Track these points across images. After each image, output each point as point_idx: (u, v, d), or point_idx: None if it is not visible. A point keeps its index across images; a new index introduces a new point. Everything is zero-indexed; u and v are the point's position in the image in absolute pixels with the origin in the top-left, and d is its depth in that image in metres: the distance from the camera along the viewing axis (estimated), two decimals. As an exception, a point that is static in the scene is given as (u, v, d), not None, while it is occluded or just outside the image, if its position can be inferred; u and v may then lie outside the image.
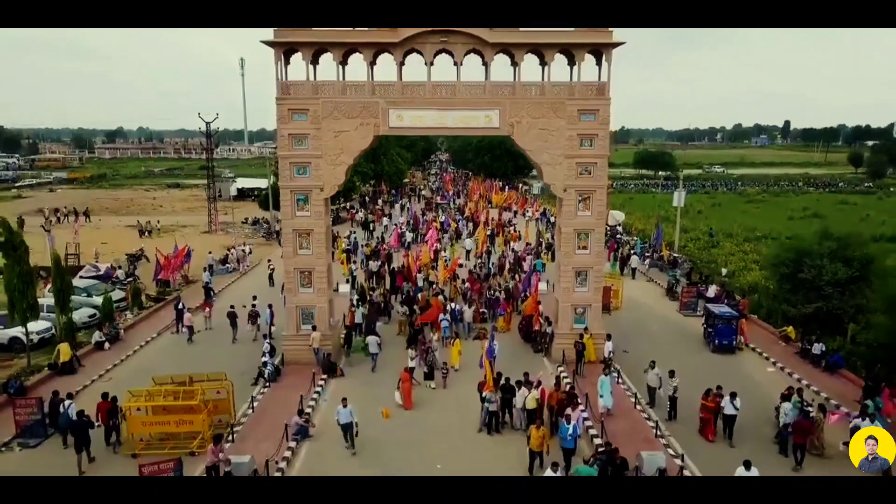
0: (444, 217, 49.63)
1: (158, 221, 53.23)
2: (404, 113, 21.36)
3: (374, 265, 33.69)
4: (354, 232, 45.79)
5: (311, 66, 21.35)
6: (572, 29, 21.22)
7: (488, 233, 42.36)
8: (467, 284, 29.18)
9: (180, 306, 26.50)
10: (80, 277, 32.88)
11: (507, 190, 72.48)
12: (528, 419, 17.38)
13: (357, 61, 22.02)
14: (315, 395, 19.95)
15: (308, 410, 18.57)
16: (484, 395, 17.68)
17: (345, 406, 16.57)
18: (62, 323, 24.28)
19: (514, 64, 21.51)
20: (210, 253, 37.95)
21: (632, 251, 38.21)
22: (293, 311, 22.71)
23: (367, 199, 65.24)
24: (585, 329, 22.42)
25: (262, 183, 73.95)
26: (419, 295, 27.98)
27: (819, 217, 61.51)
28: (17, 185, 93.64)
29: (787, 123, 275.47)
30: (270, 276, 33.86)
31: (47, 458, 16.41)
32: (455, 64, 21.44)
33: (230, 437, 17.12)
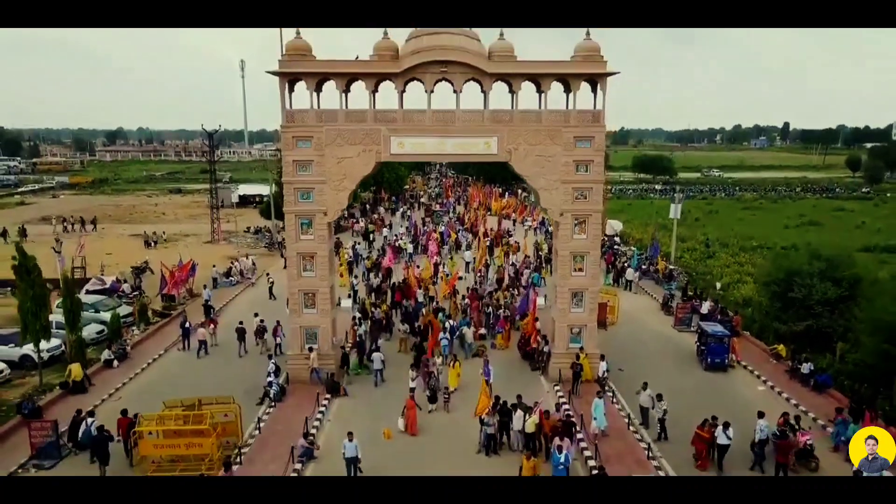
0: (443, 227, 50.19)
1: (164, 233, 53.80)
2: (405, 140, 22.01)
3: (374, 280, 34.35)
4: (359, 242, 46.47)
5: (314, 94, 22.04)
6: (569, 59, 21.95)
7: (487, 244, 43.05)
8: (467, 300, 29.81)
9: (187, 325, 27.18)
10: (87, 291, 33.55)
11: (506, 196, 73.13)
12: (526, 441, 18.08)
13: (360, 86, 22.68)
14: (319, 416, 20.61)
15: (313, 432, 19.22)
16: (482, 418, 18.35)
17: (350, 440, 16.91)
18: (72, 341, 24.93)
19: (512, 92, 22.18)
20: (214, 266, 38.61)
21: (626, 263, 38.85)
22: (297, 331, 23.37)
23: (367, 206, 65.89)
24: (581, 349, 23.08)
25: (263, 189, 74.63)
26: (421, 311, 28.65)
27: (815, 225, 62.36)
28: (20, 190, 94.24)
29: (787, 125, 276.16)
30: (270, 290, 34.53)
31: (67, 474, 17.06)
32: (455, 91, 22.11)
33: (238, 460, 17.80)
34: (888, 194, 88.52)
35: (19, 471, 17.46)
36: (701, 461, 17.60)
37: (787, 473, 16.82)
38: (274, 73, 21.49)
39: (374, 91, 22.31)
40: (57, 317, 26.02)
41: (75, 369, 22.42)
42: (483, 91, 22.04)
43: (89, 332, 27.59)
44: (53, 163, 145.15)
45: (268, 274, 37.42)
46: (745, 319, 29.38)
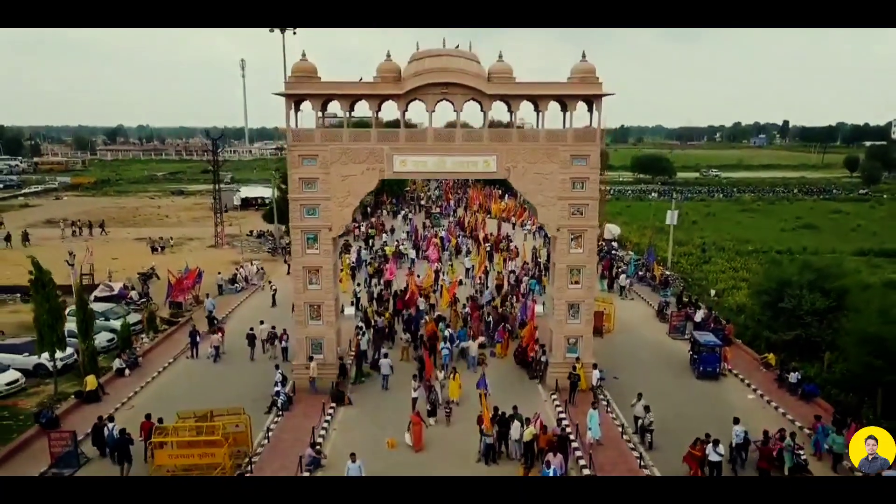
0: (444, 233, 50.94)
1: (171, 238, 54.42)
2: (407, 158, 22.81)
3: (376, 288, 35.13)
4: (362, 247, 47.25)
5: (321, 113, 22.84)
6: (565, 81, 22.72)
7: (488, 249, 43.82)
8: (467, 309, 30.57)
9: (198, 339, 28.19)
10: (95, 298, 34.35)
11: (506, 198, 73.83)
12: (524, 450, 18.94)
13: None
14: (325, 426, 21.44)
15: (319, 441, 20.07)
16: (482, 428, 19.20)
17: (354, 461, 17.50)
18: (84, 350, 25.72)
19: (511, 112, 22.96)
20: (220, 274, 39.40)
21: (621, 271, 39.63)
22: (303, 341, 24.21)
23: (368, 209, 66.61)
24: (577, 359, 23.90)
25: (266, 192, 75.30)
26: (423, 319, 29.41)
27: (811, 228, 63.16)
28: (23, 192, 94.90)
29: (786, 123, 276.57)
30: (273, 297, 35.33)
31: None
32: (455, 111, 22.89)
33: (249, 469, 18.64)
34: (884, 195, 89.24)
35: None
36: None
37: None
38: (281, 95, 22.26)
39: (378, 111, 23.08)
40: (70, 325, 26.83)
41: (90, 380, 23.28)
42: (482, 111, 22.82)
43: (100, 340, 28.36)
44: (55, 162, 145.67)
45: (270, 282, 38.20)
46: (738, 327, 30.22)
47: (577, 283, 23.99)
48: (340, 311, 28.14)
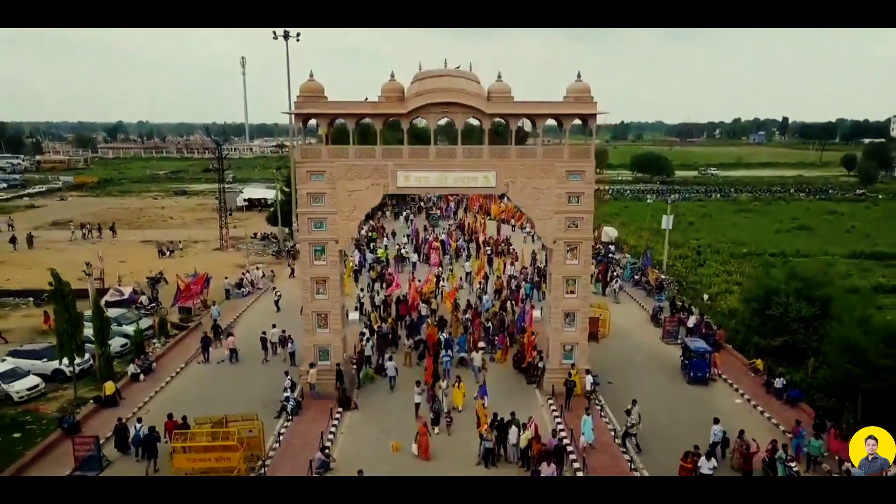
0: (444, 236, 51.86)
1: (181, 242, 55.27)
2: (410, 174, 23.86)
3: (379, 293, 36.19)
4: (364, 250, 48.25)
5: (327, 131, 23.89)
6: (561, 100, 23.75)
7: (488, 252, 44.82)
8: (468, 315, 31.62)
9: (210, 348, 29.37)
10: (106, 303, 35.37)
11: (505, 199, 74.64)
12: (521, 455, 20.08)
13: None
14: (333, 430, 22.58)
15: (328, 445, 21.20)
16: (482, 433, 20.34)
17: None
18: (101, 356, 26.83)
19: (509, 130, 24.01)
20: (226, 279, 40.42)
21: (616, 275, 40.67)
22: (311, 348, 25.32)
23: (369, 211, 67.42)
24: (573, 365, 25.01)
25: (268, 193, 76.27)
26: (425, 323, 30.48)
27: (806, 230, 64.15)
28: (27, 192, 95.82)
29: (785, 120, 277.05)
30: (277, 303, 36.38)
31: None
32: (456, 129, 23.92)
33: (262, 472, 19.79)
34: (880, 196, 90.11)
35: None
36: None
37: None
38: (289, 114, 23.29)
39: (383, 128, 24.10)
40: (86, 331, 27.92)
41: (108, 386, 24.44)
42: (482, 128, 23.85)
43: (114, 345, 29.43)
44: (57, 161, 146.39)
45: (274, 288, 39.22)
46: (729, 332, 31.32)
47: (572, 292, 25.08)
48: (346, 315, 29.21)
